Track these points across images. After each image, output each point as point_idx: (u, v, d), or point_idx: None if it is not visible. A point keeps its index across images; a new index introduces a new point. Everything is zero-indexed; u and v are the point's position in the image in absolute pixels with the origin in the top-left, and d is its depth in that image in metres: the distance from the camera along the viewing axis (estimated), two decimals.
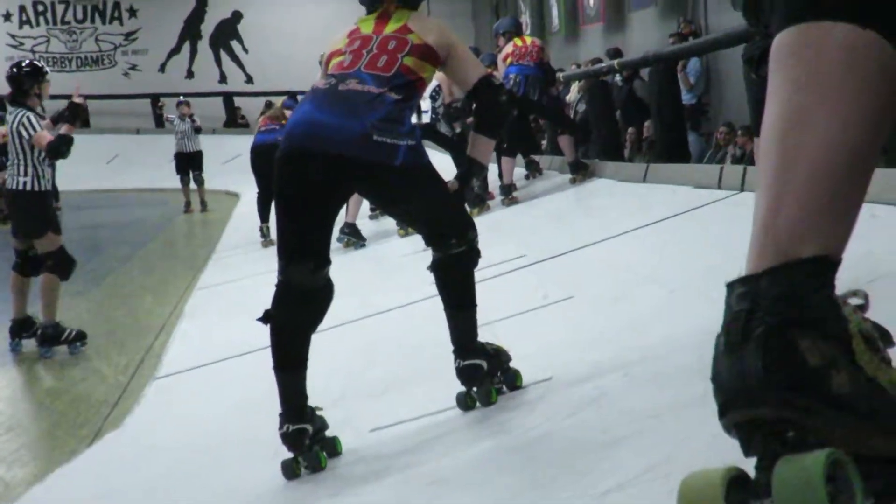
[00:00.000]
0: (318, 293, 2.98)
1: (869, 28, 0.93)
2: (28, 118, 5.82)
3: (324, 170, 2.86)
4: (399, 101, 2.92)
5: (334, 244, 3.50)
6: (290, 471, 2.91)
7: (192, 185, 14.25)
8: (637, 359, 2.94)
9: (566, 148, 8.21)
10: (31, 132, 5.80)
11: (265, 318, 2.97)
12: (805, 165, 0.93)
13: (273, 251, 8.39)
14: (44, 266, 5.87)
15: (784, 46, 0.98)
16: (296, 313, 2.97)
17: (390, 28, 3.12)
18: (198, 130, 14.51)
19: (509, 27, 8.70)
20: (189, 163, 14.33)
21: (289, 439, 2.90)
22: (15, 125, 5.84)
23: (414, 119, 3.07)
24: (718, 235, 4.79)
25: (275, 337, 2.97)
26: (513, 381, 3.13)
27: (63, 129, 5.95)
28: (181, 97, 16.13)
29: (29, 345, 5.85)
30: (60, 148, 5.81)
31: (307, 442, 2.91)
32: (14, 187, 5.90)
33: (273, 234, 8.88)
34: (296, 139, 2.93)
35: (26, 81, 5.99)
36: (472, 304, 3.11)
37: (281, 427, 2.90)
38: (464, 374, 3.05)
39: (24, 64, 6.20)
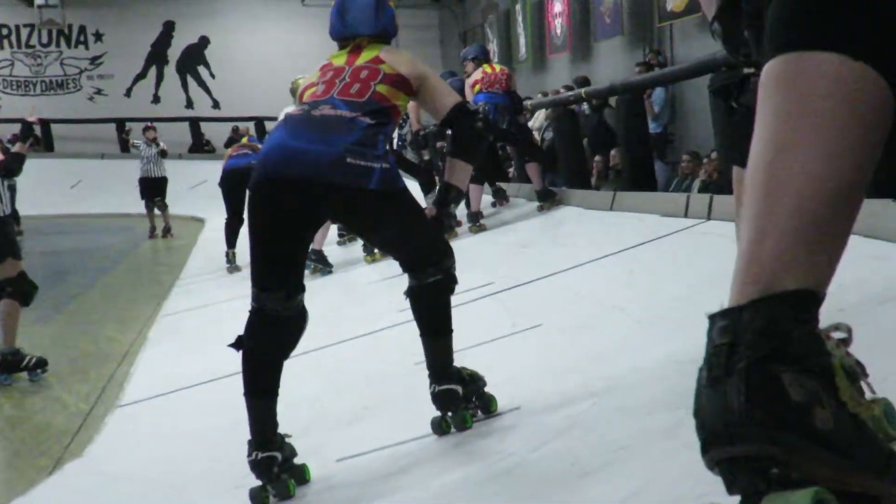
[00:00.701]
0: (291, 321, 2.96)
1: (860, 60, 0.93)
2: None
3: (298, 196, 2.86)
4: (372, 125, 2.93)
5: None
6: (258, 499, 2.89)
7: (156, 211, 14.14)
8: (605, 389, 2.93)
9: (534, 176, 8.24)
10: None
11: (237, 344, 2.96)
12: (790, 197, 0.92)
13: (239, 277, 8.37)
14: (3, 292, 5.73)
15: (774, 75, 0.97)
16: (268, 341, 2.95)
17: (362, 59, 3.17)
18: (163, 154, 14.39)
19: (478, 54, 8.72)
20: (154, 188, 14.21)
21: (258, 467, 2.88)
22: None
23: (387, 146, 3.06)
24: (685, 264, 4.81)
25: (247, 364, 2.95)
26: (487, 406, 3.14)
27: (15, 147, 5.88)
28: (148, 122, 16.04)
29: None
30: (12, 166, 5.72)
31: (276, 470, 2.89)
32: None
33: (239, 261, 8.87)
34: (269, 165, 2.91)
35: None
36: (447, 331, 3.12)
37: (250, 454, 2.88)
38: (439, 399, 3.05)
39: None
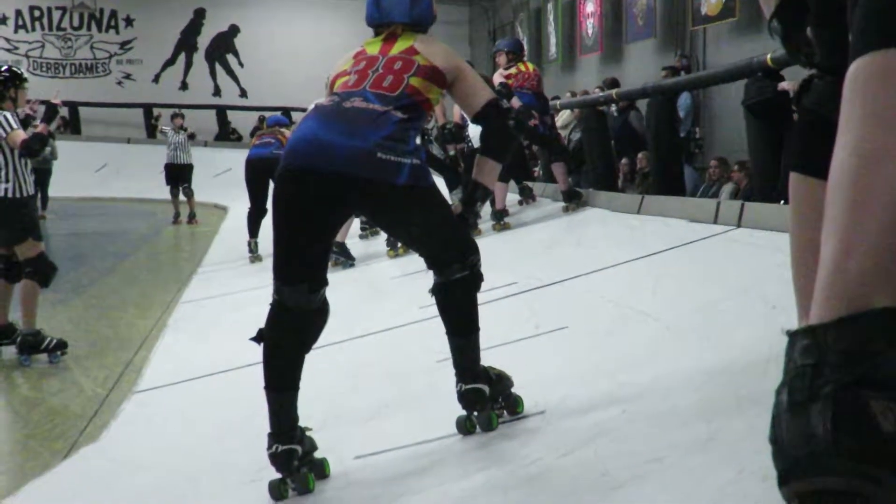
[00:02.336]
0: (312, 315, 2.92)
1: None
2: (5, 117, 5.70)
3: (326, 188, 2.80)
4: (404, 120, 2.87)
5: None
6: (276, 492, 2.85)
7: (181, 197, 14.16)
8: (634, 396, 2.86)
9: (559, 176, 8.14)
10: (8, 130, 5.66)
11: (258, 337, 2.92)
12: (880, 209, 0.83)
13: (259, 267, 8.32)
14: (23, 273, 5.77)
15: (866, 73, 0.88)
16: (290, 334, 2.91)
17: (396, 49, 3.10)
18: (192, 137, 14.50)
19: (512, 48, 8.58)
20: (179, 175, 14.26)
21: (278, 460, 2.84)
22: None
23: (418, 141, 3.00)
24: (714, 271, 4.73)
25: (267, 357, 2.90)
26: (514, 407, 3.08)
27: (39, 128, 5.88)
28: (176, 109, 16.07)
29: (8, 352, 5.73)
30: (34, 146, 5.74)
31: (296, 463, 2.85)
32: None
33: (260, 250, 8.83)
34: (298, 157, 2.84)
35: (2, 86, 5.83)
36: (474, 329, 3.05)
37: (270, 447, 2.84)
38: (465, 398, 2.99)
39: (2, 69, 6.01)
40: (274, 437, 2.84)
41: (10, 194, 5.72)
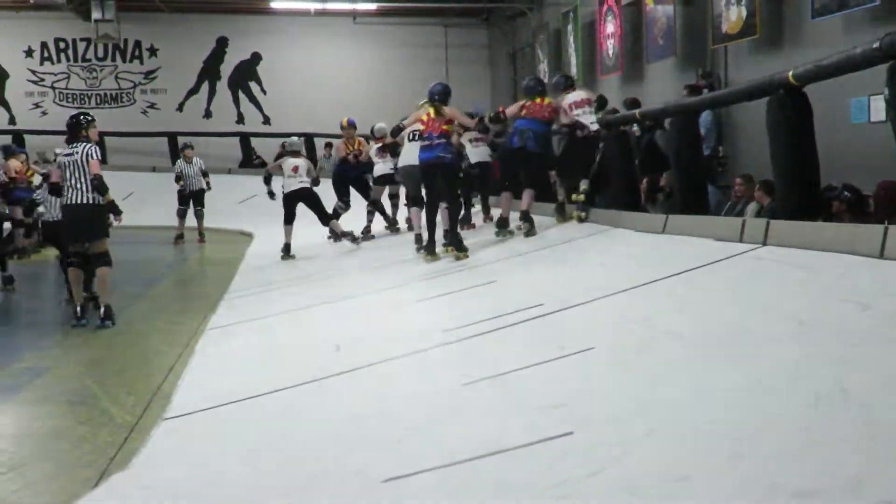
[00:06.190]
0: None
1: None
2: (95, 149, 7.74)
3: (431, 168, 8.82)
4: (447, 143, 8.84)
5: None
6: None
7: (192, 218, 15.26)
8: (660, 416, 2.85)
9: (527, 199, 9.21)
10: (94, 157, 7.67)
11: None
12: None
13: (285, 293, 8.35)
14: (99, 262, 7.81)
15: None
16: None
17: (437, 113, 8.90)
18: (205, 174, 15.48)
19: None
20: (192, 198, 15.30)
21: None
22: (83, 153, 7.64)
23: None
24: (740, 290, 4.71)
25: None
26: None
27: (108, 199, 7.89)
28: (187, 141, 16.46)
29: (38, 384, 5.78)
30: (101, 187, 7.72)
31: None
32: (79, 201, 7.64)
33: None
34: (422, 161, 8.91)
35: (81, 126, 7.83)
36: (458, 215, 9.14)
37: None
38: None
39: (80, 115, 8.06)
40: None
41: (92, 201, 7.67)
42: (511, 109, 9.36)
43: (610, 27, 14.92)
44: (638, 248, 6.72)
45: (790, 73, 6.08)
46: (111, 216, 7.99)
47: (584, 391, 3.62)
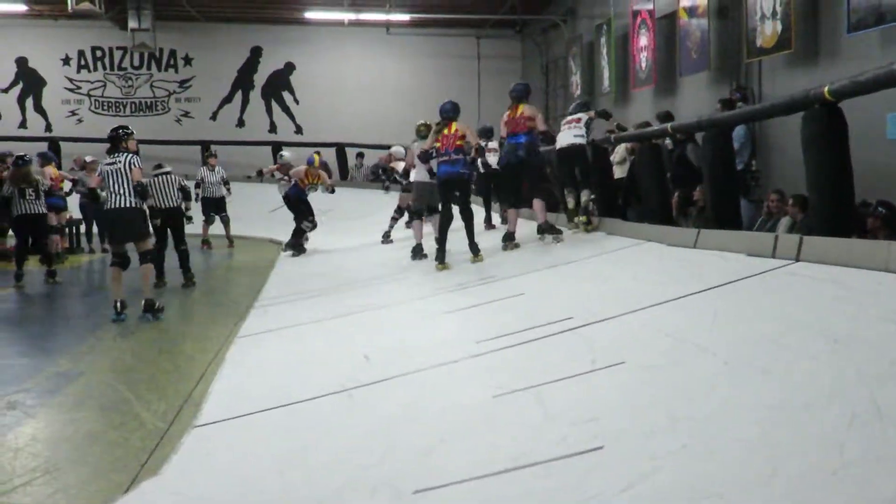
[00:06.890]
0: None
1: None
2: (137, 159, 8.63)
3: (449, 182, 9.30)
4: (462, 158, 9.29)
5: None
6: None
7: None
8: (692, 431, 2.83)
9: (539, 211, 9.44)
10: (137, 166, 8.56)
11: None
12: None
13: (315, 301, 8.39)
14: (144, 259, 8.70)
15: None
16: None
17: (452, 130, 9.40)
18: (226, 183, 16.01)
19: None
20: (215, 205, 15.77)
21: None
22: (125, 162, 8.50)
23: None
24: (772, 306, 4.67)
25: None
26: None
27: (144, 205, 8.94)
28: (211, 149, 16.90)
29: (72, 389, 5.84)
30: (145, 193, 8.69)
31: None
32: (122, 205, 8.45)
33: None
34: (442, 175, 9.34)
35: (121, 138, 8.64)
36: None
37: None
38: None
39: (120, 128, 8.83)
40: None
41: (135, 205, 8.53)
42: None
43: (643, 40, 14.89)
44: (669, 263, 6.69)
45: (826, 89, 6.04)
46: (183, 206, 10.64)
47: (615, 405, 3.60)
